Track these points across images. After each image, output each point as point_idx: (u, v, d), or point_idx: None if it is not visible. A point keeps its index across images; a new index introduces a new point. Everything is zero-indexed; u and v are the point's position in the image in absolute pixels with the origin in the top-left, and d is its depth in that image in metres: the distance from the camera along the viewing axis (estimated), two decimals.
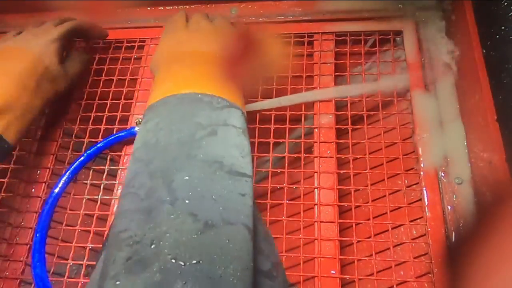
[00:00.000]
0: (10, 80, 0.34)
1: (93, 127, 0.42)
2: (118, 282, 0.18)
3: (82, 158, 0.39)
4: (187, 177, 0.22)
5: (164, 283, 0.18)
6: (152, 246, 0.19)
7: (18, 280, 0.36)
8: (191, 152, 0.24)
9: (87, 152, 0.39)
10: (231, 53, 0.32)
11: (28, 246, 0.37)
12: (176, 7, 0.48)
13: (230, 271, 0.20)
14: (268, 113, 0.40)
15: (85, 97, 0.44)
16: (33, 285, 0.33)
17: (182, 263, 0.19)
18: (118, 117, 0.42)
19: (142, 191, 0.22)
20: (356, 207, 0.36)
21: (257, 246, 0.24)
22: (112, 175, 0.39)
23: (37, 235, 0.35)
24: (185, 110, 0.27)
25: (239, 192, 0.23)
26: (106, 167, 0.39)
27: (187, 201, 0.21)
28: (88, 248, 0.36)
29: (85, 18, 0.44)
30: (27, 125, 0.36)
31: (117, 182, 0.39)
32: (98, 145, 0.39)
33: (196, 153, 0.24)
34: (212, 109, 0.27)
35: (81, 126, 0.42)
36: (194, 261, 0.19)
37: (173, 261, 0.19)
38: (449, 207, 0.35)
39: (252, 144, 0.28)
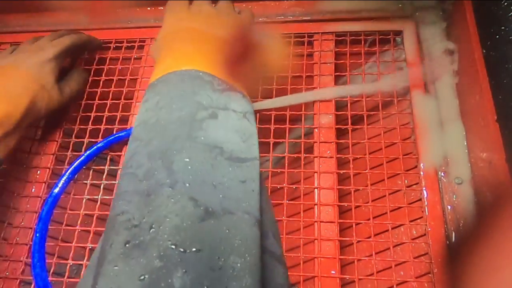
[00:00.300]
0: (1, 99, 0.34)
1: (93, 127, 0.42)
2: (116, 267, 0.18)
3: (82, 158, 0.39)
4: (187, 159, 0.22)
5: (164, 270, 0.17)
6: (151, 231, 0.19)
7: (18, 280, 0.36)
8: (191, 133, 0.23)
9: (87, 152, 0.39)
10: (232, 39, 0.32)
11: (28, 246, 0.37)
12: None
13: (230, 262, 0.19)
14: (268, 113, 0.40)
15: (85, 97, 0.44)
16: (33, 285, 0.33)
17: (182, 250, 0.18)
18: (118, 117, 0.42)
19: (140, 172, 0.22)
20: (356, 207, 0.36)
21: (270, 228, 0.23)
22: (112, 175, 0.39)
23: (37, 235, 0.35)
24: (185, 87, 0.26)
25: (240, 180, 0.23)
26: (106, 167, 0.39)
27: (187, 185, 0.21)
28: (88, 248, 0.36)
29: (81, 32, 0.44)
30: (16, 141, 0.36)
31: (117, 182, 0.39)
32: (98, 145, 0.39)
33: (196, 135, 0.23)
34: (213, 90, 0.26)
35: (81, 126, 0.42)
36: (194, 249, 0.18)
37: (173, 247, 0.18)
38: (449, 207, 0.35)
39: None
